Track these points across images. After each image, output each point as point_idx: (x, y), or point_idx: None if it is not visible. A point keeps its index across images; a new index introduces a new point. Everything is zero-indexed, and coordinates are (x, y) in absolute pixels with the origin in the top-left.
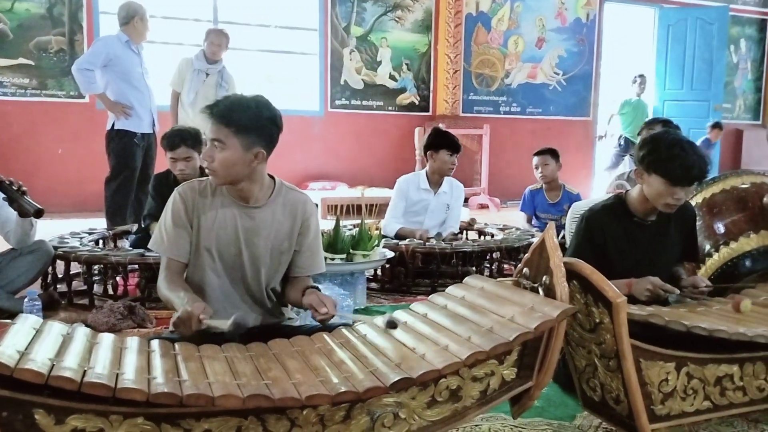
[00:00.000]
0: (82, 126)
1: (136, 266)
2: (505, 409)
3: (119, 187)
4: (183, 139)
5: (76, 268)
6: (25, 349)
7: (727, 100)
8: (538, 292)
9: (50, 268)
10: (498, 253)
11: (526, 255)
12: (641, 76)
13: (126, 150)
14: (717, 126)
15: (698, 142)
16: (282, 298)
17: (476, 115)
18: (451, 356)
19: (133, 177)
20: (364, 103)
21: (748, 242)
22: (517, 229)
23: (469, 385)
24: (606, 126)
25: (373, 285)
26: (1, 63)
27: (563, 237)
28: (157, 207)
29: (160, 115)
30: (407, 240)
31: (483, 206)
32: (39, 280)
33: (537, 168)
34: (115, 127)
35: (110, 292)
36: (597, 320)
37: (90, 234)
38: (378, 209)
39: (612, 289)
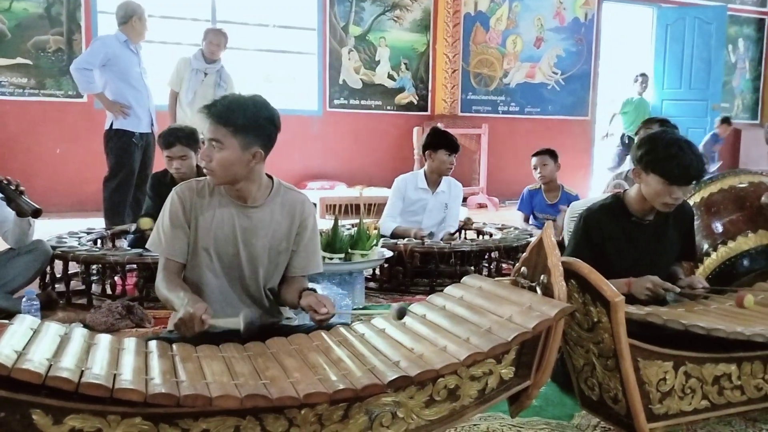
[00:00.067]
0: (81, 126)
1: (135, 266)
2: (504, 408)
3: (118, 186)
4: (178, 137)
5: (74, 267)
6: (23, 349)
7: (725, 99)
8: (536, 291)
9: (48, 268)
10: (496, 252)
11: (524, 254)
12: (643, 75)
13: (124, 150)
14: (726, 121)
15: (707, 137)
16: (278, 298)
17: (475, 114)
18: (450, 357)
19: (132, 177)
20: (363, 102)
21: (746, 241)
22: (516, 228)
23: (467, 385)
24: (608, 125)
25: (372, 284)
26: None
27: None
28: (154, 206)
29: (159, 115)
30: (406, 239)
31: (481, 206)
32: (37, 280)
33: (536, 168)
34: (114, 127)
35: (108, 291)
36: (595, 319)
37: (88, 234)
38: (376, 209)
39: (610, 288)
